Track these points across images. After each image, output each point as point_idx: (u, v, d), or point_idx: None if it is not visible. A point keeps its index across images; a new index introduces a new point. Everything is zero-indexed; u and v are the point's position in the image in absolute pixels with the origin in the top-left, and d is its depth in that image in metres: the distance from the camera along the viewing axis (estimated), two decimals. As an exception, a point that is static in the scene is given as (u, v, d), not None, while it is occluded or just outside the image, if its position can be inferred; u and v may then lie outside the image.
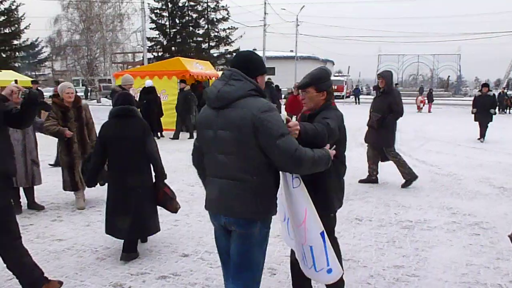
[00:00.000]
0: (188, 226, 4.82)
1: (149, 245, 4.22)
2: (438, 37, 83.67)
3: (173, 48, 32.20)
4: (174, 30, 32.51)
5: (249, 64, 2.30)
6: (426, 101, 25.57)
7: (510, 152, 9.98)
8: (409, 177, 6.51)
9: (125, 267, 3.75)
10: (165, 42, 32.80)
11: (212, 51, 34.19)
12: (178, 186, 6.48)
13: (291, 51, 47.65)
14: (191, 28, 33.01)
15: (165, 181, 4.11)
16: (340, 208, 2.93)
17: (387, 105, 6.38)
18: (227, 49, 34.55)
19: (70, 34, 34.21)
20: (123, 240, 3.94)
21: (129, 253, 3.90)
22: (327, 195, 2.74)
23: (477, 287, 3.38)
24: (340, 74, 50.88)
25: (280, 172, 2.37)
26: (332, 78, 39.58)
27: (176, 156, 9.02)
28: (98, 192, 6.13)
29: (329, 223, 2.81)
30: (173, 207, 4.16)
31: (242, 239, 2.32)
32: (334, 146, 2.48)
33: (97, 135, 4.06)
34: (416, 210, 5.38)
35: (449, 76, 55.09)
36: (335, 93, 33.30)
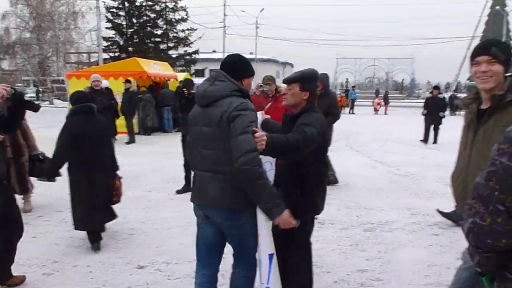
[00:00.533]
0: (145, 234, 4.56)
1: (101, 257, 3.94)
2: (393, 41, 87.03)
3: (130, 48, 31.26)
4: (131, 30, 31.61)
5: (235, 67, 2.45)
6: (383, 103, 26.32)
7: (462, 152, 10.33)
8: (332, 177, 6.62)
9: (75, 282, 3.46)
10: (121, 42, 31.82)
11: (170, 52, 33.49)
12: (134, 192, 6.19)
13: (251, 53, 47.65)
14: (149, 28, 32.21)
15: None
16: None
17: (326, 107, 6.34)
18: (186, 50, 33.99)
19: (19, 31, 32.46)
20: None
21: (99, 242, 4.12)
22: (315, 199, 2.67)
23: (440, 289, 3.39)
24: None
25: None
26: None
27: (131, 160, 8.63)
28: (46, 200, 5.74)
29: (310, 226, 2.76)
30: (119, 199, 4.41)
31: (231, 230, 2.46)
32: (299, 221, 2.38)
33: (61, 134, 3.94)
34: (378, 212, 5.40)
35: (403, 79, 57.21)
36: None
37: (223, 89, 2.36)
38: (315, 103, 2.72)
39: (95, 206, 3.99)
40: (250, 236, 2.46)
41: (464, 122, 2.27)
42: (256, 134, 2.26)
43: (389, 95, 28.53)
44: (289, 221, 2.31)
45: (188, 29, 33.48)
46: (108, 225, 4.32)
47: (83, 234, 4.18)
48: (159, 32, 32.98)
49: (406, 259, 3.94)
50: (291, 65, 57.88)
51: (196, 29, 33.61)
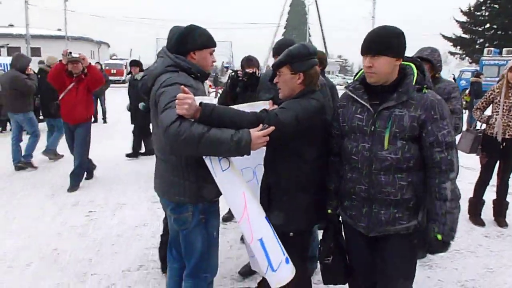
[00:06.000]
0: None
1: None
2: (210, 24, 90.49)
3: None
4: None
5: (179, 39, 2.16)
6: (213, 85, 26.61)
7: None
8: None
9: None
10: None
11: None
12: None
13: (59, 29, 42.20)
14: None
15: None
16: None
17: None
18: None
19: None
20: None
21: None
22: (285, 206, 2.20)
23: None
24: (117, 58, 48.01)
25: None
26: (110, 61, 36.72)
27: None
28: None
29: (292, 246, 2.14)
30: None
31: (177, 224, 2.20)
32: (271, 127, 1.94)
33: None
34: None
35: (223, 62, 59.62)
36: (115, 78, 31.11)
37: (160, 65, 2.15)
38: (315, 86, 2.14)
39: None
40: (195, 236, 2.15)
41: None
42: (179, 95, 1.83)
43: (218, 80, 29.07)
44: (258, 135, 1.91)
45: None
46: None
47: None
48: None
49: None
50: (107, 44, 53.62)
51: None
